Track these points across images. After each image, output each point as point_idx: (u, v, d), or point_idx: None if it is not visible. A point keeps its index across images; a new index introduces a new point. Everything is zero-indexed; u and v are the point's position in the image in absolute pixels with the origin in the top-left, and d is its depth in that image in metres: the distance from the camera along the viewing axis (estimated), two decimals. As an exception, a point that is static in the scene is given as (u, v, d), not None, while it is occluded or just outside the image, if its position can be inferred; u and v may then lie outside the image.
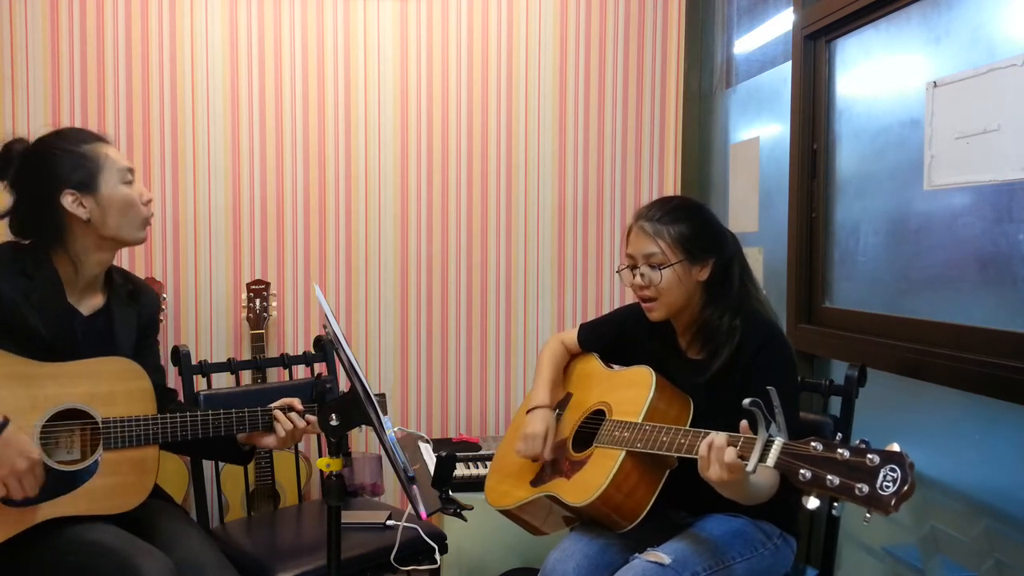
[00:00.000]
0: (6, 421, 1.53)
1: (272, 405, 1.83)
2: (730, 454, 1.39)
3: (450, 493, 1.59)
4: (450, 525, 2.26)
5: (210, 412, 1.76)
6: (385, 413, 2.43)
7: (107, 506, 1.67)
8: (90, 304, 1.77)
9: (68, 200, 1.69)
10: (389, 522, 2.14)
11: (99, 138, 1.77)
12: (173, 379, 2.16)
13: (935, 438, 1.99)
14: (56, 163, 1.70)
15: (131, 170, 1.76)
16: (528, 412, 1.92)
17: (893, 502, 1.15)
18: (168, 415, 1.73)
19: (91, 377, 1.68)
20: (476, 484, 2.48)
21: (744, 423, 1.42)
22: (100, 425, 1.67)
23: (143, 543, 1.61)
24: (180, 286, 2.92)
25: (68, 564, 1.58)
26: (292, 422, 1.80)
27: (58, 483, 1.63)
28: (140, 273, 2.86)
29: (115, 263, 1.84)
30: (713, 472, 1.42)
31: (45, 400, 1.63)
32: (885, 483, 1.17)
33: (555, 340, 2.08)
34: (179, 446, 1.81)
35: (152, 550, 1.58)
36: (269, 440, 1.82)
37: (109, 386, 1.70)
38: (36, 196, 1.71)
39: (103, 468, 1.67)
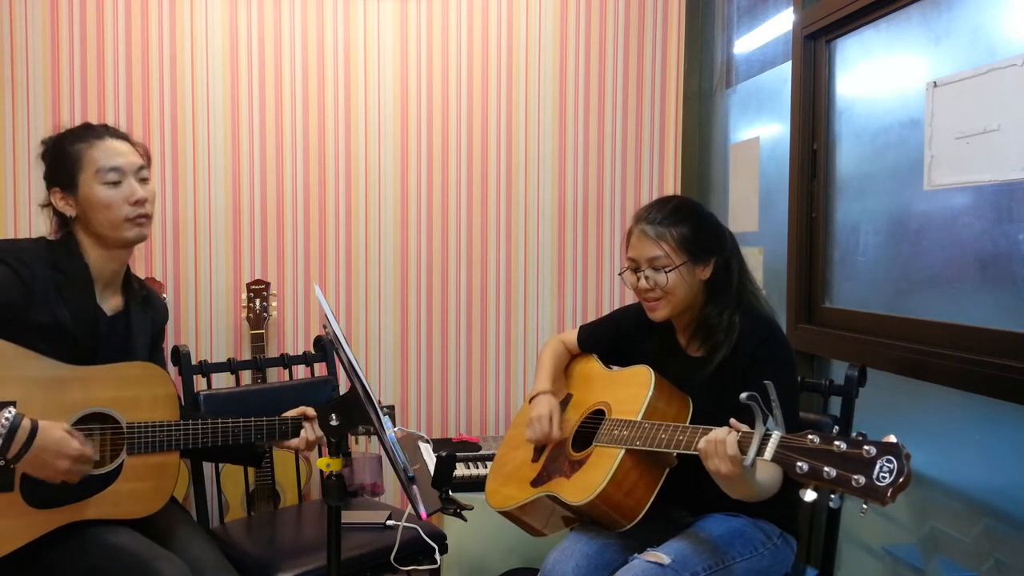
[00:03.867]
0: (35, 427, 1.47)
1: (288, 414, 1.85)
2: (731, 445, 1.39)
3: (450, 493, 1.60)
4: (450, 525, 2.25)
5: (230, 420, 1.77)
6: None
7: (128, 511, 1.68)
8: (111, 304, 1.78)
9: (56, 198, 1.73)
10: (389, 522, 2.14)
11: (98, 135, 1.75)
12: (173, 379, 2.16)
13: (935, 438, 1.99)
14: (49, 162, 1.75)
15: (115, 169, 1.71)
16: (530, 400, 1.93)
17: (889, 493, 1.16)
18: (192, 422, 1.74)
19: (117, 381, 1.69)
20: (476, 484, 2.48)
21: (733, 421, 1.43)
22: (125, 430, 1.67)
23: (161, 548, 1.62)
24: (180, 286, 2.92)
25: (88, 566, 1.58)
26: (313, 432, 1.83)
27: (82, 487, 1.62)
28: (140, 273, 2.86)
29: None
30: (713, 464, 1.42)
31: (72, 404, 1.63)
32: (882, 474, 1.18)
33: (555, 340, 2.09)
34: (196, 451, 1.82)
35: (171, 555, 1.59)
36: (290, 443, 1.85)
37: (134, 391, 1.70)
38: (47, 193, 1.77)
39: (125, 473, 1.67)
